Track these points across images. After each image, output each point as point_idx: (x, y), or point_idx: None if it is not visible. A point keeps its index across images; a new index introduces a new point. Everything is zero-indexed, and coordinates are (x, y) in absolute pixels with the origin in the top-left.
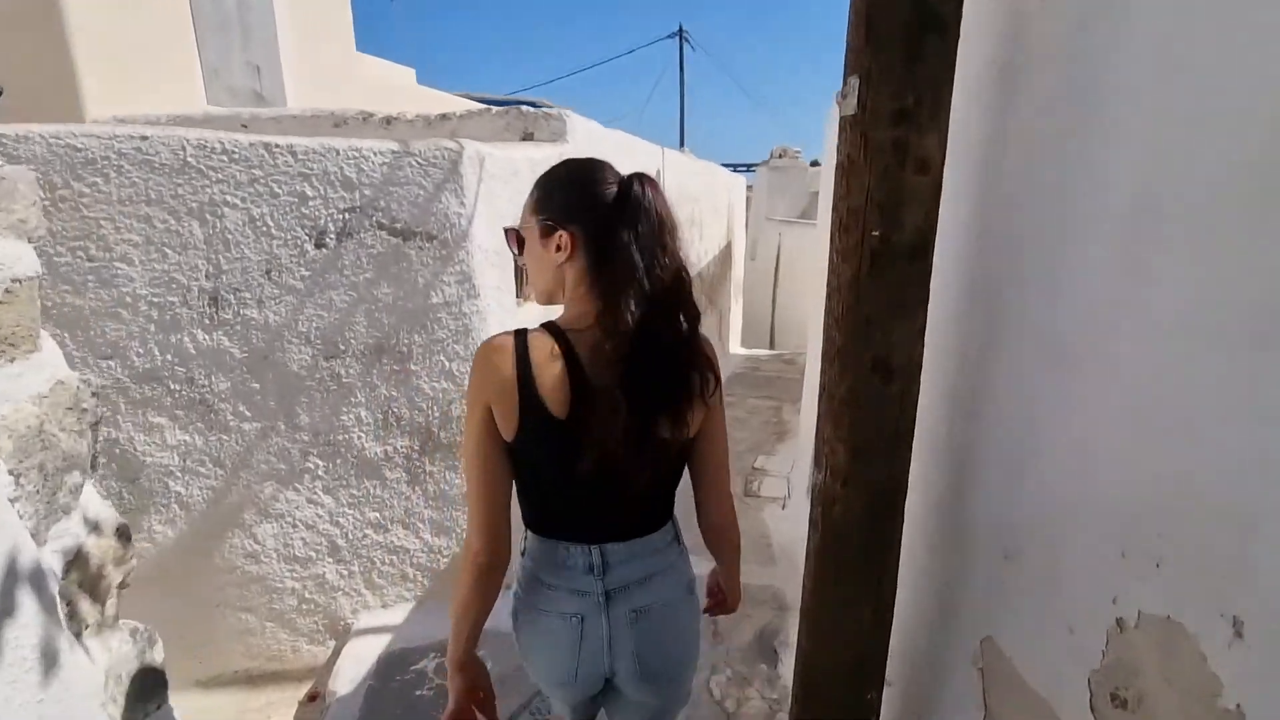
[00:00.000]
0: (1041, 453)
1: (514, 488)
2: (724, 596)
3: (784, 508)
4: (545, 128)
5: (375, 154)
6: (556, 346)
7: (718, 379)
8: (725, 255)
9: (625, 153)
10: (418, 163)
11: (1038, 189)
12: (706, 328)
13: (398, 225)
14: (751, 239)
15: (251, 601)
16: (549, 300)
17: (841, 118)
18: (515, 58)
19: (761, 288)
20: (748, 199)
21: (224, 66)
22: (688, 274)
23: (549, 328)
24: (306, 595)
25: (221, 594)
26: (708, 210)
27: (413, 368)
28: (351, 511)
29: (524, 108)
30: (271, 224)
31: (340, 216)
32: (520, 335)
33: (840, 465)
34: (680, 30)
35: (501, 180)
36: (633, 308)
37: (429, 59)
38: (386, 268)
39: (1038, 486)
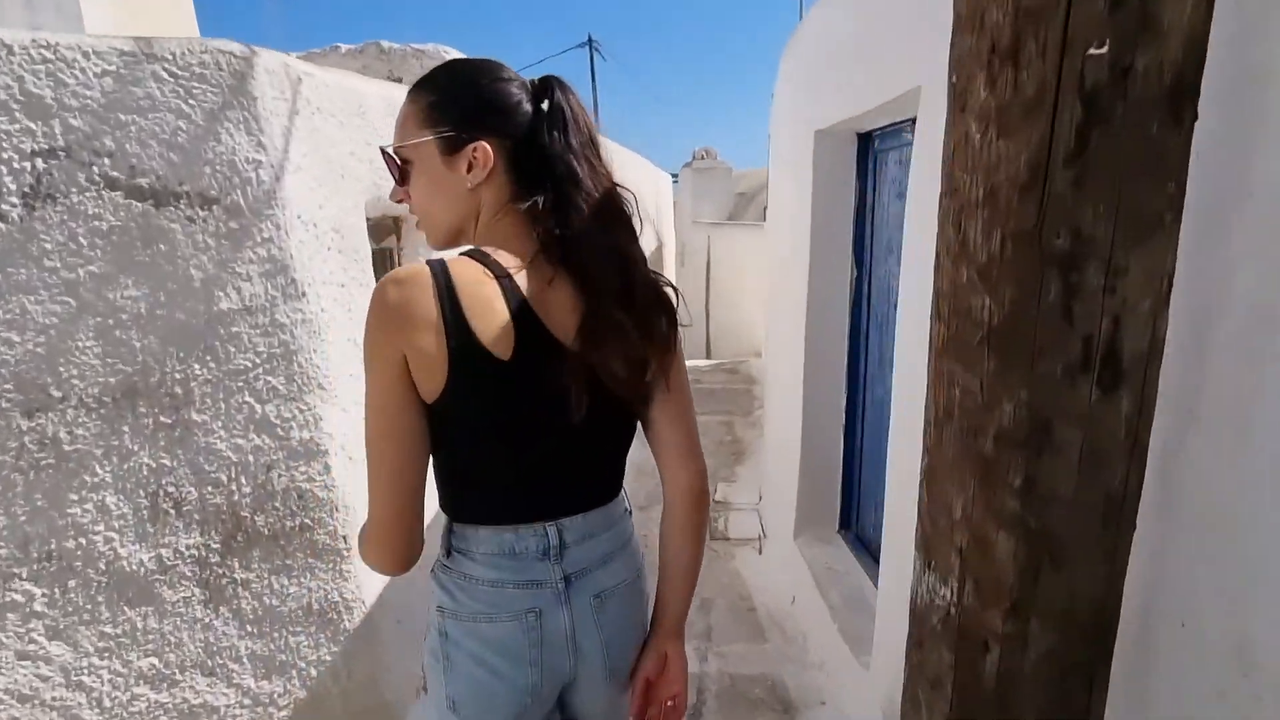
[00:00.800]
0: None
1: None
2: (673, 678)
3: (760, 551)
4: (416, 69)
5: (88, 57)
6: (488, 271)
7: (675, 314)
8: (657, 259)
9: None
10: (169, 74)
11: None
12: None
13: (143, 181)
14: (680, 244)
15: None
16: (453, 240)
17: None
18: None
19: (693, 294)
20: (674, 203)
21: None
22: (622, 192)
23: (472, 254)
24: None
25: None
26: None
27: (196, 418)
28: (105, 662)
29: (385, 43)
30: None
31: (27, 165)
32: (438, 263)
33: (1002, 574)
34: (590, 40)
35: (338, 120)
36: (592, 231)
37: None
38: (129, 253)
39: None
